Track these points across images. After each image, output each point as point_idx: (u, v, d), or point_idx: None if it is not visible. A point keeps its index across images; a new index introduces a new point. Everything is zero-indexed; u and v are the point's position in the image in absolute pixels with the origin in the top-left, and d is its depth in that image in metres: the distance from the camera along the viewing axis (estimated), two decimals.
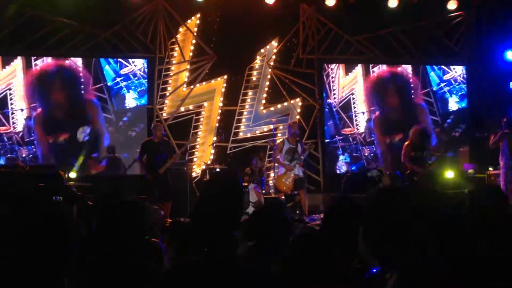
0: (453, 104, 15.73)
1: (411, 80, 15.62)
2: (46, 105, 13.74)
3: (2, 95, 13.64)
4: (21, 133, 13.59)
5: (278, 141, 12.57)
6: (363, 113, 15.24)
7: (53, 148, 13.64)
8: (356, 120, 15.20)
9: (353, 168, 14.96)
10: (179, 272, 2.58)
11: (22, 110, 13.67)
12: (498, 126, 12.19)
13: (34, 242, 2.54)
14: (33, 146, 13.59)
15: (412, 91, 15.61)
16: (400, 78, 15.60)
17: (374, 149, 15.15)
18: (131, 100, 14.26)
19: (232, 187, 3.08)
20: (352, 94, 15.25)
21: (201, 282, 2.01)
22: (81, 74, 14.02)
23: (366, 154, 15.13)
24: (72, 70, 13.99)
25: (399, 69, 15.57)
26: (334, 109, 15.08)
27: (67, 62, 13.96)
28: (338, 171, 14.87)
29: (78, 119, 13.92)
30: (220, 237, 2.73)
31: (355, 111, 15.20)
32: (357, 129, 15.15)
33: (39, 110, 13.68)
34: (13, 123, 13.64)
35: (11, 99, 13.68)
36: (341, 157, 15.03)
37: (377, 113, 15.23)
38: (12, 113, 13.65)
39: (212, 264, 2.10)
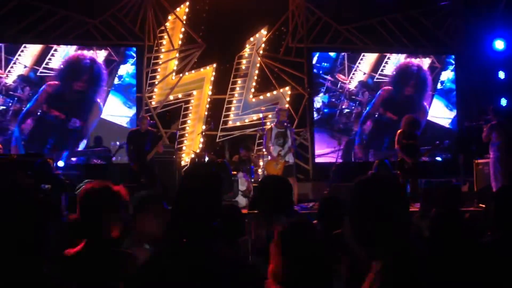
0: (445, 76, 15.94)
1: (428, 80, 15.87)
2: (64, 84, 13.93)
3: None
4: (8, 84, 13.68)
5: (266, 129, 12.56)
6: (364, 73, 15.46)
7: (40, 117, 13.78)
8: (353, 74, 15.40)
9: (325, 110, 15.12)
10: (157, 260, 2.59)
11: (25, 66, 13.77)
12: (485, 114, 12.27)
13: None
14: (10, 101, 13.66)
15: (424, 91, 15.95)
16: (423, 74, 15.90)
17: (353, 107, 15.36)
18: (123, 70, 14.35)
19: (210, 178, 3.07)
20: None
21: (178, 271, 2.01)
22: (104, 73, 14.23)
23: (344, 107, 15.34)
24: (101, 68, 14.16)
25: (426, 66, 15.86)
26: (342, 53, 15.37)
27: (98, 58, 14.18)
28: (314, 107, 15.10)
29: (78, 111, 14.04)
30: (199, 227, 2.74)
31: (357, 67, 15.41)
32: (349, 82, 15.36)
33: (57, 82, 13.82)
34: (9, 71, 13.69)
35: (22, 51, 13.77)
36: (320, 95, 15.24)
37: (390, 87, 15.49)
38: (14, 63, 13.71)
39: (190, 254, 2.10)
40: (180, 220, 2.85)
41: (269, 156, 12.10)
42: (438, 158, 13.75)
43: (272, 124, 12.40)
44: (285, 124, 11.98)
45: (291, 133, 11.93)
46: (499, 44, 15.14)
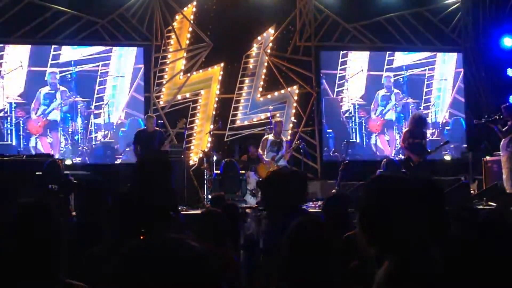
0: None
1: None
2: None
3: None
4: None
5: (262, 139, 12.73)
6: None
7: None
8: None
9: None
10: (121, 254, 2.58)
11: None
12: (496, 112, 12.18)
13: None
14: None
15: None
16: None
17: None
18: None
19: (162, 169, 3.06)
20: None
21: (141, 264, 1.99)
22: None
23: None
24: None
25: None
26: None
27: None
28: None
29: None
30: (157, 218, 2.73)
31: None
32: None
33: None
34: None
35: None
36: None
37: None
38: None
39: (150, 246, 2.09)
40: (135, 211, 2.83)
41: (263, 161, 12.33)
42: (447, 157, 13.69)
43: (267, 135, 12.62)
44: (281, 136, 12.63)
45: (285, 145, 12.43)
46: (508, 42, 15.06)
